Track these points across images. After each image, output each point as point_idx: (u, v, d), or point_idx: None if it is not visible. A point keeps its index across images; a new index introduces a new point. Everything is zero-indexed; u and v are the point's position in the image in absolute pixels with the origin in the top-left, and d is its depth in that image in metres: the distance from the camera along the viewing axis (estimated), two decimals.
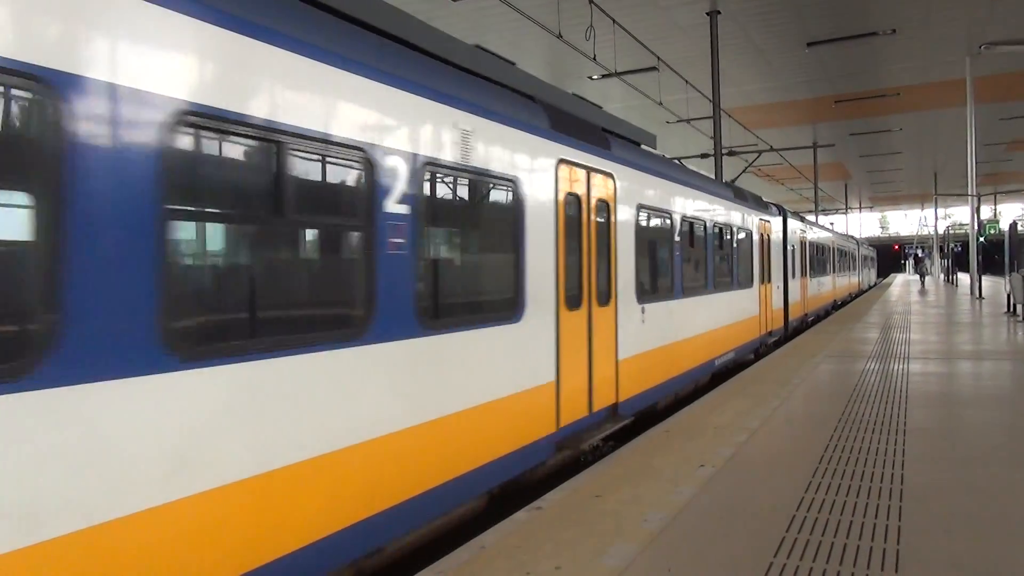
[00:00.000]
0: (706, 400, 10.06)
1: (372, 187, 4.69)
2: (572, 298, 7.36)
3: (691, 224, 11.31)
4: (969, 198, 30.14)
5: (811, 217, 44.62)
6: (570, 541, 4.96)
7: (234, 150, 3.80)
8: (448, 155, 5.46)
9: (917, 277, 64.01)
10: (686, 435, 7.96)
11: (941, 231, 72.30)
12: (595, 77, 25.57)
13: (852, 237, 42.97)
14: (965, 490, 5.92)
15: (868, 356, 14.22)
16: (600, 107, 10.85)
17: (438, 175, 5.40)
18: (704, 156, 28.14)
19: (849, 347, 15.83)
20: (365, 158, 4.65)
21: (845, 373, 12.18)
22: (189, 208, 3.52)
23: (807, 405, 9.54)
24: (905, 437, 7.68)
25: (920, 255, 76.96)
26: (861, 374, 11.98)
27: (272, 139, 3.97)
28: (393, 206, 4.84)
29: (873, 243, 77.19)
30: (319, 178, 4.39)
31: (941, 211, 73.37)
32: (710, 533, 5.07)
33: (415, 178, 5.06)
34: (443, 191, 5.51)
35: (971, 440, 7.51)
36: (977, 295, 32.07)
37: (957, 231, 73.34)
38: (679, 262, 10.68)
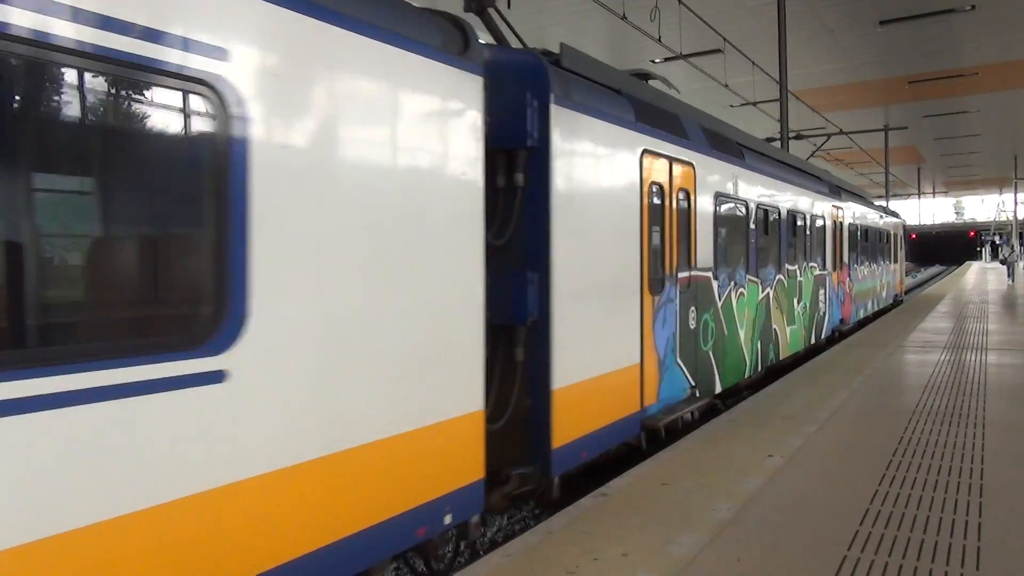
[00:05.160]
0: (772, 390, 9.87)
1: None
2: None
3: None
4: None
5: (880, 202, 43.14)
6: (637, 528, 4.94)
7: None
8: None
9: (996, 265, 61.34)
10: (753, 425, 7.83)
11: (1022, 216, 69.10)
12: (658, 60, 25.15)
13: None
14: None
15: (943, 346, 13.73)
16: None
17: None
18: (770, 140, 27.47)
19: (922, 337, 15.30)
20: None
21: (919, 363, 11.79)
22: None
23: (879, 396, 9.27)
24: (984, 430, 7.40)
25: (998, 242, 73.64)
26: (936, 364, 11.57)
27: None
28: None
29: (947, 229, 74.21)
30: None
31: (1022, 196, 70.06)
32: (780, 524, 4.98)
33: None
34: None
35: None
36: None
37: None
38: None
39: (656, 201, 7.44)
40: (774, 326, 11.28)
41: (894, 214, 26.04)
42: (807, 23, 22.34)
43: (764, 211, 10.89)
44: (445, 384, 4.50)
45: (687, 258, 8.13)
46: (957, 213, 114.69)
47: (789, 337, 12.17)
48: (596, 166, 6.35)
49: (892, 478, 5.95)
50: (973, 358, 12.21)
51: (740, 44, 22.96)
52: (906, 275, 50.38)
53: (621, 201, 6.72)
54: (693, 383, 8.22)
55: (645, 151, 7.16)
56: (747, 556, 4.48)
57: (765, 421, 7.99)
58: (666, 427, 7.37)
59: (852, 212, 17.42)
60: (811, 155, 24.16)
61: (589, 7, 18.54)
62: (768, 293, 10.95)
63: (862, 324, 19.27)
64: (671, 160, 7.73)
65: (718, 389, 9.05)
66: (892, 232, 24.54)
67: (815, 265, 13.81)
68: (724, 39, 21.08)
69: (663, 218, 7.56)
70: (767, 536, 4.79)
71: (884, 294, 23.21)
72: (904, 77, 29.33)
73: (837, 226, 15.82)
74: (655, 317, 7.30)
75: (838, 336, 16.28)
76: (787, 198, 12.01)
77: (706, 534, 4.83)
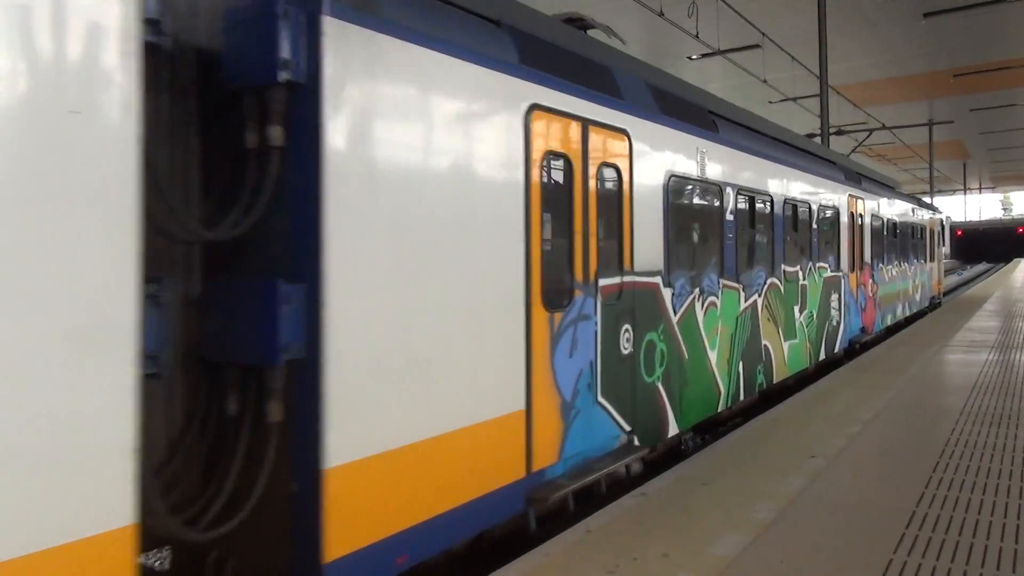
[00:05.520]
0: (813, 390, 9.72)
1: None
2: None
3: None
4: None
5: (925, 198, 42.19)
6: (677, 528, 4.91)
7: None
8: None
9: None
10: (794, 425, 7.73)
11: None
12: (695, 57, 24.93)
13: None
14: None
15: (991, 346, 13.39)
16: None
17: None
18: (811, 136, 27.07)
19: (968, 336, 14.94)
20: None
21: (965, 363, 11.51)
22: None
23: (925, 396, 9.08)
24: None
25: None
26: (983, 365, 11.29)
27: None
28: None
29: (993, 225, 72.28)
30: None
31: None
32: (824, 526, 4.91)
33: None
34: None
35: None
36: None
37: None
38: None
39: (557, 180, 5.40)
40: (765, 342, 9.08)
41: (931, 207, 23.93)
42: (848, 16, 21.95)
43: (749, 199, 8.76)
44: None
45: (616, 260, 6.05)
46: (1005, 209, 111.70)
47: (787, 354, 9.92)
48: (428, 122, 4.27)
49: (939, 480, 5.82)
50: (1022, 358, 11.89)
51: (779, 39, 22.65)
52: (951, 273, 49.10)
53: (485, 178, 4.62)
54: (628, 427, 6.13)
55: (534, 108, 5.02)
56: (790, 558, 4.42)
57: (807, 421, 7.87)
58: (582, 492, 5.55)
59: (876, 203, 15.14)
60: (853, 151, 23.68)
61: (626, 4, 18.45)
62: (755, 301, 8.78)
63: (892, 331, 17.05)
64: (586, 124, 5.63)
65: (674, 430, 6.86)
66: (928, 227, 22.40)
67: (825, 266, 11.56)
68: (763, 34, 20.82)
69: (570, 205, 5.48)
70: (810, 538, 4.72)
71: (918, 297, 20.51)
72: (949, 70, 28.66)
73: (856, 219, 13.43)
74: (555, 342, 5.20)
75: (859, 348, 13.92)
76: (785, 184, 9.90)
77: (747, 535, 4.78)
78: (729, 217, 8.06)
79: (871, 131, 25.66)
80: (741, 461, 6.44)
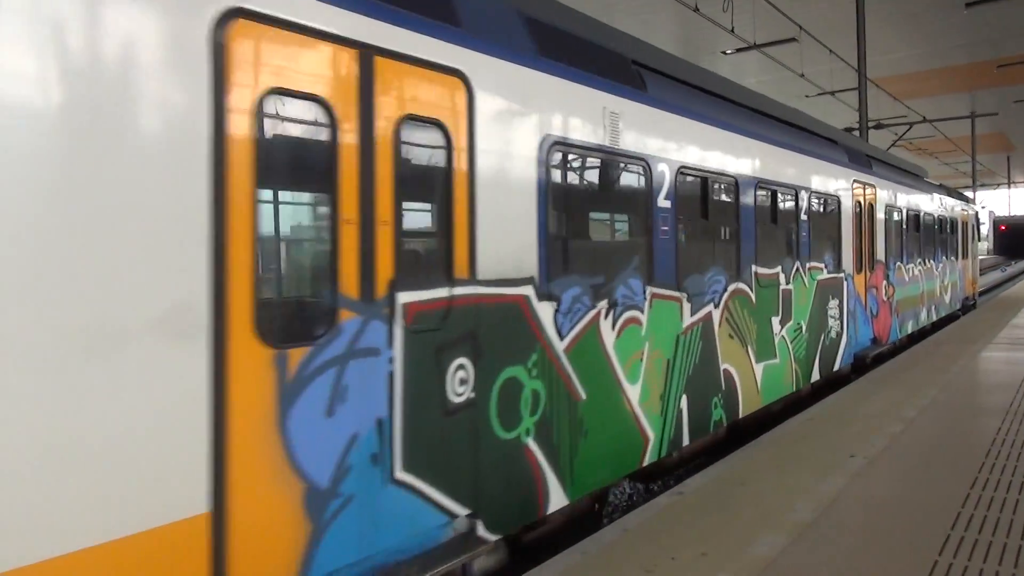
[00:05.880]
0: (853, 388, 9.56)
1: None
2: None
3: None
4: None
5: (968, 193, 41.22)
6: (715, 528, 4.86)
7: None
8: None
9: None
10: (833, 424, 7.60)
11: None
12: (729, 52, 24.66)
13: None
14: None
15: None
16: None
17: None
18: (849, 130, 26.63)
19: (1014, 333, 14.57)
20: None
21: (1011, 361, 11.22)
22: None
23: (969, 395, 8.87)
24: None
25: None
26: None
27: None
28: None
29: None
30: None
31: None
32: (866, 527, 4.82)
33: None
34: None
35: None
36: None
37: None
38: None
39: (302, 139, 3.64)
40: (726, 365, 7.12)
41: (963, 197, 21.85)
42: (887, 7, 21.56)
43: (701, 182, 6.90)
44: None
45: (440, 263, 4.18)
46: None
47: (762, 379, 7.89)
48: None
49: (985, 481, 5.68)
50: None
51: (816, 32, 22.30)
52: (991, 270, 47.68)
53: (116, 131, 2.78)
54: (467, 509, 4.23)
55: (235, 15, 3.19)
56: (831, 559, 4.35)
57: (847, 420, 7.74)
58: None
59: (892, 192, 13.05)
60: (892, 144, 23.23)
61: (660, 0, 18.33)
62: (709, 314, 6.84)
63: (915, 339, 15.26)
64: (370, 53, 3.77)
65: (559, 502, 4.93)
66: (960, 220, 19.94)
67: (821, 266, 9.59)
68: (799, 27, 20.49)
69: (332, 178, 3.60)
70: (852, 539, 4.64)
71: (948, 298, 18.19)
72: (992, 61, 27.98)
73: (865, 210, 11.41)
74: (290, 396, 3.33)
75: (871, 362, 11.65)
76: (759, 164, 7.93)
77: (787, 535, 4.71)
78: (663, 204, 6.15)
79: (911, 124, 25.15)
80: (779, 460, 6.35)
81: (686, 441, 6.45)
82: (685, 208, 6.58)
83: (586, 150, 5.34)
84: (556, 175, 5.06)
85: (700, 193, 6.91)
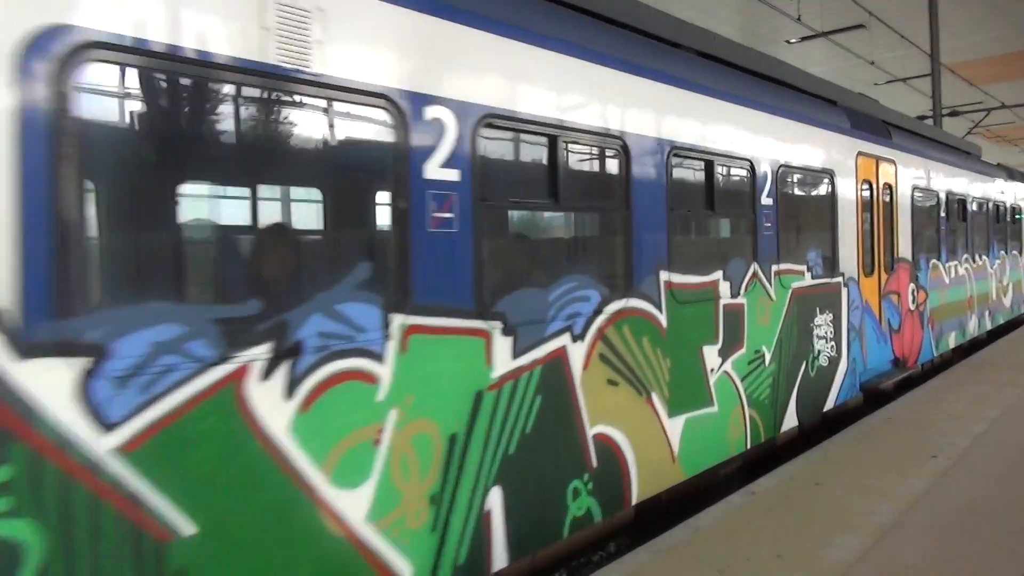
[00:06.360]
0: (931, 387, 9.21)
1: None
2: None
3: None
4: None
5: None
6: (790, 529, 4.73)
7: None
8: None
9: None
10: (912, 424, 7.33)
11: None
12: (793, 40, 24.02)
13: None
14: None
15: None
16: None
17: None
18: (922, 118, 25.68)
19: None
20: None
21: None
22: None
23: None
24: None
25: None
26: None
27: None
28: None
29: None
30: None
31: None
32: (952, 531, 4.63)
33: None
34: None
35: None
36: None
37: None
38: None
39: None
40: (599, 428, 4.76)
41: (1022, 178, 17.11)
42: None
43: (547, 144, 4.55)
44: None
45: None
46: None
47: (681, 439, 5.45)
48: None
49: None
50: None
51: (886, 17, 21.56)
52: None
53: None
54: None
55: None
56: (914, 563, 4.19)
57: (926, 420, 7.45)
58: None
59: (923, 171, 10.41)
60: (969, 132, 22.26)
61: None
62: (560, 352, 4.49)
63: (966, 352, 12.71)
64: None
65: None
66: (1022, 205, 16.44)
67: (800, 269, 7.15)
68: (868, 12, 19.85)
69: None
70: (935, 543, 4.46)
71: (1006, 301, 15.05)
72: None
73: (879, 193, 8.87)
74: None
75: (895, 391, 9.41)
76: (675, 120, 5.52)
77: (867, 537, 4.56)
78: (432, 175, 3.77)
79: (988, 111, 24.07)
80: (856, 460, 6.15)
81: (502, 563, 4.08)
82: (485, 188, 4.07)
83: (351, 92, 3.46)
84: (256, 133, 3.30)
85: (545, 161, 4.54)
